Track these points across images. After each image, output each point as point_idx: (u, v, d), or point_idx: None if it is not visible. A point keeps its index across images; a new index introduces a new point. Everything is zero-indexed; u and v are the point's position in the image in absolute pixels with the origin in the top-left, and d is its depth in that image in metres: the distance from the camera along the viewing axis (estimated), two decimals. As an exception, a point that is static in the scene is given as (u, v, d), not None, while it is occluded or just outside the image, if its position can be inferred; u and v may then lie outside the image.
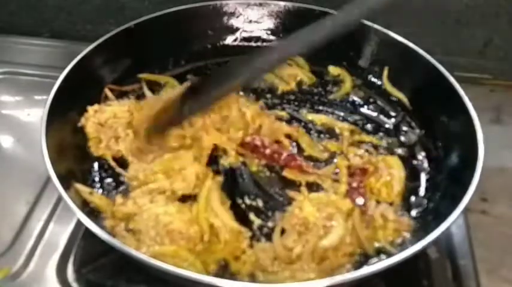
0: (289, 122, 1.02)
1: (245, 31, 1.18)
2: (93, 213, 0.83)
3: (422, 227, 0.83)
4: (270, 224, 0.85)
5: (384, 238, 0.81)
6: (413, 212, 0.87)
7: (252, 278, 0.77)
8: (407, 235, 0.83)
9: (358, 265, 0.78)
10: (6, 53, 1.30)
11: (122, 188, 0.90)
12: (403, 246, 0.80)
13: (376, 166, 0.90)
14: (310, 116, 1.03)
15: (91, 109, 0.95)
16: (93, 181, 0.91)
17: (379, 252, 0.80)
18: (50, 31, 1.40)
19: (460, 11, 1.19)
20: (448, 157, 0.92)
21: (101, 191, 0.89)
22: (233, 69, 0.87)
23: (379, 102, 1.08)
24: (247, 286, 0.72)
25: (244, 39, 1.19)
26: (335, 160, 0.94)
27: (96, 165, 0.94)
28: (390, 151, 0.97)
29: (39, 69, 1.24)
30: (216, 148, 0.93)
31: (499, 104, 1.19)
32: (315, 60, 1.14)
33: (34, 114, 1.12)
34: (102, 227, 0.76)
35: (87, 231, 0.73)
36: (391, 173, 0.89)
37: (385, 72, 1.09)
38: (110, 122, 0.94)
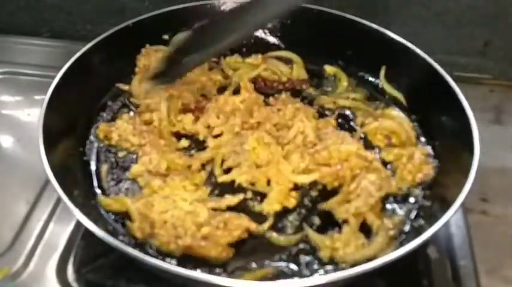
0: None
1: (243, 30, 1.18)
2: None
3: (419, 225, 0.83)
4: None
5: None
6: (411, 211, 0.87)
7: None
8: (405, 228, 0.84)
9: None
10: (6, 53, 1.30)
11: (121, 187, 0.90)
12: (400, 243, 0.80)
13: None
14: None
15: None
16: (92, 180, 0.92)
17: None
18: (49, 31, 1.40)
19: (460, 11, 1.19)
20: (444, 155, 0.93)
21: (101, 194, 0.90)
22: (228, 25, 0.94)
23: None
24: (248, 284, 0.72)
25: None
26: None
27: (94, 164, 0.94)
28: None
29: (39, 69, 1.24)
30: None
31: (499, 104, 1.19)
32: (312, 59, 1.14)
33: (34, 114, 1.12)
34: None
35: (87, 231, 0.73)
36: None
37: (383, 72, 1.09)
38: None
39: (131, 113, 1.03)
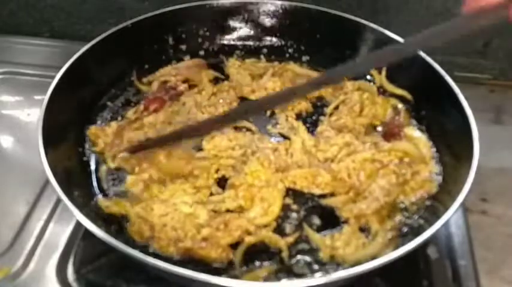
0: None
1: (242, 30, 1.18)
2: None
3: (419, 225, 0.83)
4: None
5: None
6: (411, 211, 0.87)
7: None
8: (405, 228, 0.83)
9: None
10: (6, 53, 1.30)
11: (121, 187, 0.90)
12: (400, 243, 0.80)
13: None
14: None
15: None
16: (92, 180, 0.92)
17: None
18: (50, 31, 1.40)
19: (460, 11, 1.19)
20: (444, 154, 0.93)
21: (101, 195, 0.89)
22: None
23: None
24: (248, 284, 0.72)
25: (241, 38, 1.19)
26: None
27: (93, 164, 0.94)
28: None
29: (39, 69, 1.24)
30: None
31: (499, 104, 1.19)
32: (311, 59, 1.15)
33: (34, 114, 1.12)
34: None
35: (87, 231, 0.73)
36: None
37: (383, 72, 1.08)
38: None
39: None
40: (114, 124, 0.99)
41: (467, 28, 0.68)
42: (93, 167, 0.93)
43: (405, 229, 0.83)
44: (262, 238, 0.81)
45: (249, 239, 0.80)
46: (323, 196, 0.88)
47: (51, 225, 0.91)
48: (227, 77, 1.12)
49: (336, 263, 0.79)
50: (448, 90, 0.93)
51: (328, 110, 1.04)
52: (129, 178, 0.90)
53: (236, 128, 0.99)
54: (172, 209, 0.82)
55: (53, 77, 0.93)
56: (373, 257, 0.75)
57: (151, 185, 0.87)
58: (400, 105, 1.03)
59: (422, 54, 1.00)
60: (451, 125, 0.93)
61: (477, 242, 0.90)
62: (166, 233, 0.79)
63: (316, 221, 0.85)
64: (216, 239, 0.79)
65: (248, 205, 0.85)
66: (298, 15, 1.14)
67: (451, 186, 0.83)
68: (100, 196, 0.88)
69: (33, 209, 0.93)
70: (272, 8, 1.16)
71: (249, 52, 1.18)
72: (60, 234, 0.89)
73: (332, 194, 0.88)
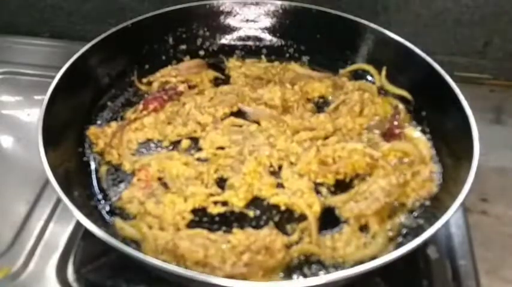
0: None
1: (242, 30, 1.18)
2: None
3: (419, 225, 0.83)
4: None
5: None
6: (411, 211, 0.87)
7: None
8: (405, 228, 0.83)
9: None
10: (6, 53, 1.31)
11: (121, 187, 0.90)
12: (400, 243, 0.80)
13: None
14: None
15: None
16: (92, 180, 0.91)
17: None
18: (49, 31, 1.40)
19: (460, 11, 1.19)
20: (444, 154, 0.93)
21: (101, 195, 0.89)
22: None
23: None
24: (248, 284, 0.72)
25: (241, 38, 1.19)
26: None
27: (93, 164, 0.94)
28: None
29: (39, 69, 1.24)
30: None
31: (499, 104, 1.19)
32: (311, 60, 1.15)
33: (34, 114, 1.12)
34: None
35: (87, 231, 0.73)
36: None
37: (383, 72, 1.09)
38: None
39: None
40: (114, 124, 0.99)
41: None
42: (93, 167, 0.94)
43: (405, 229, 0.83)
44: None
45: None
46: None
47: (51, 225, 0.91)
48: (227, 78, 1.12)
49: (336, 263, 0.79)
50: (448, 90, 0.93)
51: (328, 110, 1.04)
52: (125, 193, 0.87)
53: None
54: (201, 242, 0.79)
55: (53, 77, 0.93)
56: (373, 257, 0.75)
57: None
58: (400, 106, 1.04)
59: (422, 54, 1.00)
60: (451, 125, 0.93)
61: (477, 242, 0.90)
62: (199, 266, 0.76)
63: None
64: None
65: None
66: (298, 15, 1.14)
67: (451, 186, 0.83)
68: (118, 218, 0.85)
69: (33, 209, 0.93)
70: (272, 8, 1.16)
71: (249, 52, 1.18)
72: (60, 234, 0.89)
73: (334, 192, 0.88)
